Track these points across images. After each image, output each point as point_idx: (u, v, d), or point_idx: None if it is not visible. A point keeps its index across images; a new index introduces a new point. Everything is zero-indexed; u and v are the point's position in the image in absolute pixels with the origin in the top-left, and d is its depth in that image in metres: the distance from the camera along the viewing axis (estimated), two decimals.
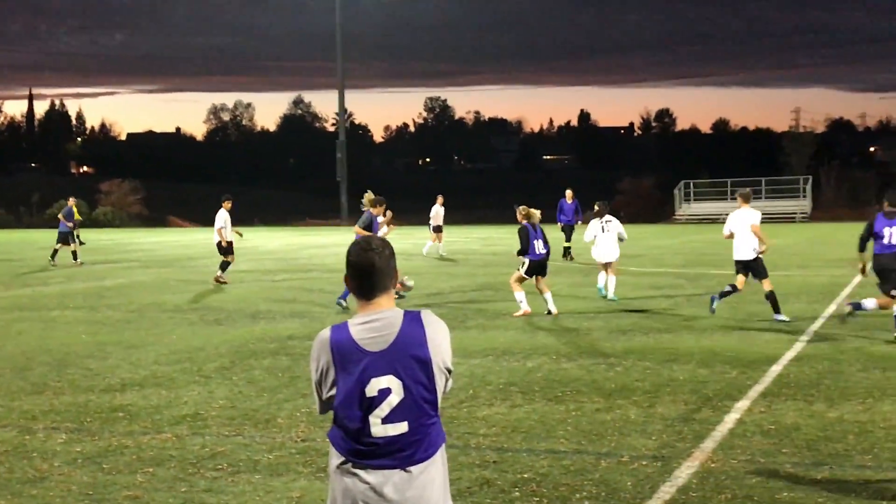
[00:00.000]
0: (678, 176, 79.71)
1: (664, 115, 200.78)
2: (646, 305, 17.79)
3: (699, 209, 69.17)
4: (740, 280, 15.72)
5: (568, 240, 29.96)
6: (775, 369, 11.25)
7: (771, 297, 15.51)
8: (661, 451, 7.88)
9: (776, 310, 15.50)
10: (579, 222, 30.45)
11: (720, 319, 15.59)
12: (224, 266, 23.54)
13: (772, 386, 10.32)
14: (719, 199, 70.48)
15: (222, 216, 23.52)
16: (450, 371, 3.79)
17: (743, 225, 15.56)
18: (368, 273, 3.76)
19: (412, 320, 3.74)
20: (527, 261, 16.64)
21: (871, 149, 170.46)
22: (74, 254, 30.95)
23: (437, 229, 32.82)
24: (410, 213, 54.90)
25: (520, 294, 16.61)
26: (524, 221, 16.91)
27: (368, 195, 18.57)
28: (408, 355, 3.66)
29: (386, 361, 3.64)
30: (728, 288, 15.98)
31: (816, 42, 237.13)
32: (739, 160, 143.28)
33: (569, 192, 30.26)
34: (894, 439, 8.13)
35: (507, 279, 23.03)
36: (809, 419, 8.84)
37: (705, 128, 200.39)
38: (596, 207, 19.54)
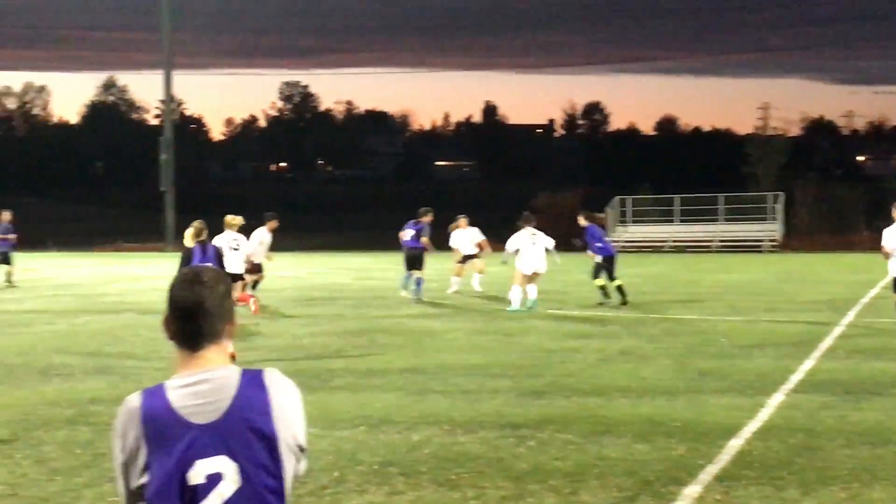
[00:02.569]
0: (612, 190, 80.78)
1: (594, 111, 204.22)
2: (567, 360, 17.95)
3: (639, 234, 70.12)
4: None
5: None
6: (734, 444, 11.42)
7: None
8: None
9: None
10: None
11: (663, 380, 15.80)
12: (254, 284, 27.66)
13: (730, 466, 10.48)
14: (665, 222, 71.64)
15: (259, 237, 27.71)
16: (303, 449, 3.76)
17: None
18: (193, 314, 3.72)
19: (251, 382, 3.70)
20: None
21: (860, 158, 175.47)
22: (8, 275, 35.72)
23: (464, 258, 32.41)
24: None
25: None
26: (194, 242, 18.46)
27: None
28: (246, 429, 3.62)
29: (216, 437, 3.59)
30: None
31: (792, 19, 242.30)
32: (691, 170, 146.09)
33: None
34: None
35: (385, 324, 23.09)
36: None
37: (647, 128, 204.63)
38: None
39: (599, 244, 28.29)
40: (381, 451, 11.17)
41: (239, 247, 23.62)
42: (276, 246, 29.21)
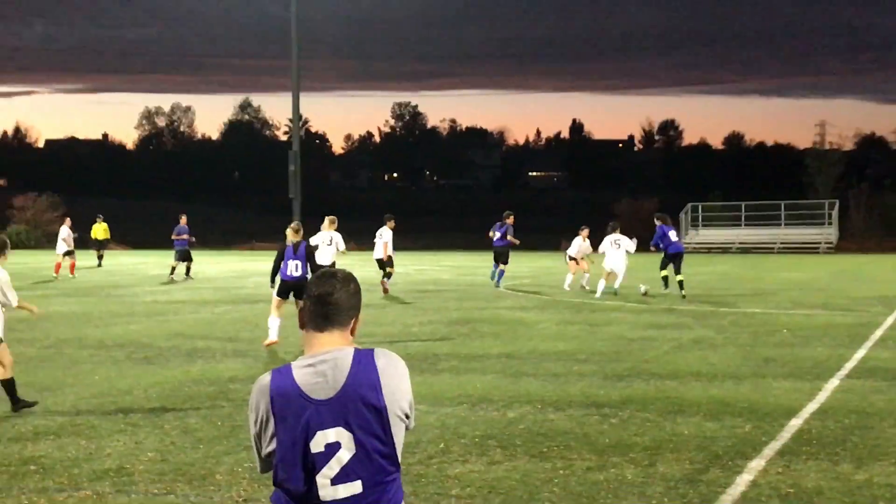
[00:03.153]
0: (685, 198, 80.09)
1: (669, 127, 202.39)
2: (646, 348, 17.82)
3: (709, 236, 69.54)
4: None
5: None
6: (795, 423, 11.29)
7: None
8: None
9: None
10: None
11: (731, 366, 15.64)
12: (388, 276, 29.92)
13: (790, 443, 10.36)
14: (732, 226, 70.96)
15: (387, 234, 30.03)
16: (408, 416, 3.78)
17: None
18: (324, 302, 3.78)
19: (363, 361, 3.73)
20: (278, 281, 18.27)
21: None
22: (187, 269, 37.02)
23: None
24: (373, 235, 54.74)
25: (273, 320, 17.89)
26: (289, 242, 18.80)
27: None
28: (359, 403, 3.65)
29: (333, 411, 3.64)
30: None
31: (847, 45, 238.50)
32: (756, 180, 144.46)
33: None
34: None
35: (484, 314, 23.11)
36: (834, 482, 8.87)
37: (716, 142, 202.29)
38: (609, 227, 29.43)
39: (661, 243, 28.84)
40: (481, 426, 11.18)
41: (332, 242, 24.97)
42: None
